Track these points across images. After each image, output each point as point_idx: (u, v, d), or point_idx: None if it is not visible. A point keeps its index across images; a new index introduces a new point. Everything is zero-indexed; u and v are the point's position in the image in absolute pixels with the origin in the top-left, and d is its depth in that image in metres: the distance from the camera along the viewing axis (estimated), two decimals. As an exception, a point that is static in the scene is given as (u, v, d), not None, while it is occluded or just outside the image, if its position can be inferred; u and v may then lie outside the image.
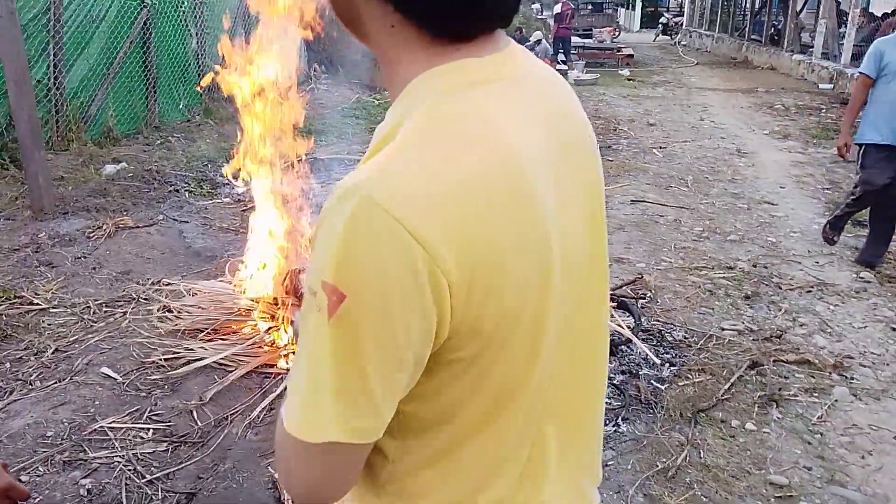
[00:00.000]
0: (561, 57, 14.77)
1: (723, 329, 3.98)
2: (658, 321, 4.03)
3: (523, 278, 0.71)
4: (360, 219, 0.64)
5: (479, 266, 0.67)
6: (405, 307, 0.65)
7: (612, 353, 3.56)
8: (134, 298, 4.25)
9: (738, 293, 4.46)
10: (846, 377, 3.53)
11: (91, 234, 5.18)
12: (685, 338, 3.86)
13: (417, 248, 0.63)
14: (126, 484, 2.71)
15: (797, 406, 3.28)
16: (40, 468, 2.78)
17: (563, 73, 14.24)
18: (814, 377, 3.52)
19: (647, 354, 3.42)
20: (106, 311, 4.11)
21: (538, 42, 14.73)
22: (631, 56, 16.96)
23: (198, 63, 9.82)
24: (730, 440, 3.03)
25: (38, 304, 4.16)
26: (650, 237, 5.46)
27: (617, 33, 24.03)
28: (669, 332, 3.89)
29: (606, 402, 3.22)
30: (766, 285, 4.59)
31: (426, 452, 0.80)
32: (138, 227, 5.38)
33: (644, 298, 4.24)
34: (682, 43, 23.30)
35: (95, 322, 3.97)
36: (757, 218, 5.95)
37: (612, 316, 3.46)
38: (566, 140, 0.82)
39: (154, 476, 2.76)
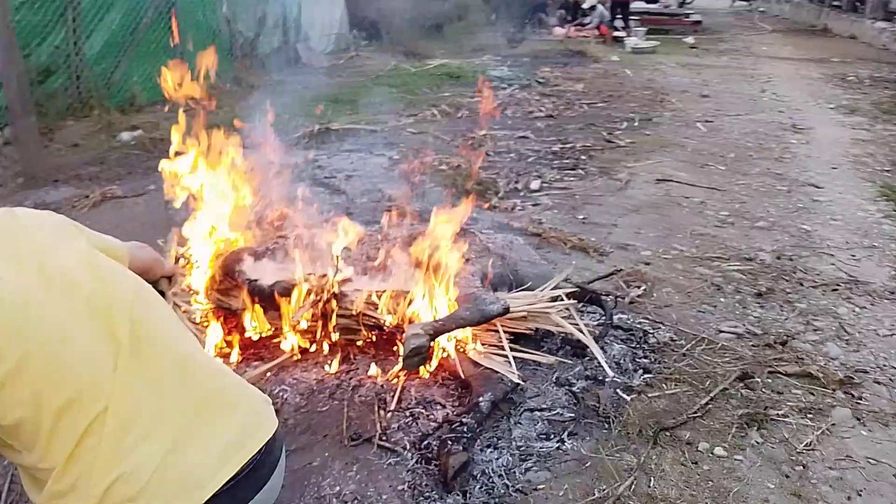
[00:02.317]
0: (620, 23, 13.97)
1: (719, 331, 3.50)
2: (646, 319, 3.57)
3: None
4: None
5: None
6: None
7: (579, 357, 3.13)
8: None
9: (750, 289, 3.94)
10: (853, 396, 3.01)
11: (76, 204, 5.06)
12: (672, 339, 3.40)
13: None
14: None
15: (784, 429, 2.80)
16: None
17: (620, 41, 13.47)
18: (813, 394, 3.02)
19: (608, 362, 2.98)
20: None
21: (592, 7, 13.98)
22: (699, 22, 15.94)
23: (230, 29, 9.66)
24: (691, 467, 2.59)
25: (0, 275, 4.04)
26: (666, 221, 4.95)
27: (690, -2, 22.69)
28: (655, 333, 3.43)
29: (558, 414, 2.84)
30: (786, 280, 4.05)
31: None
32: (126, 196, 5.24)
33: (622, 294, 3.77)
34: (760, 9, 21.85)
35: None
36: (795, 202, 5.33)
37: (570, 317, 3.04)
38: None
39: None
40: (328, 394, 2.93)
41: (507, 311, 2.85)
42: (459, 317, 2.73)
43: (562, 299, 3.02)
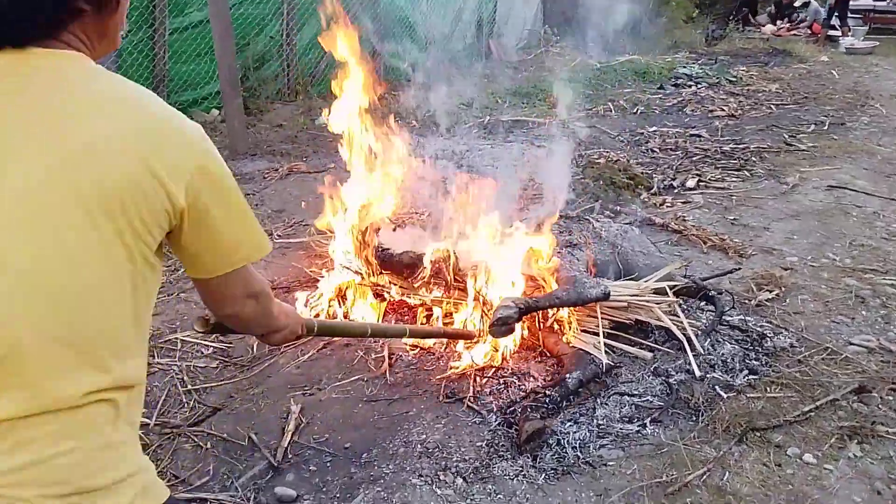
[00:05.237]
0: (837, 21, 12.82)
1: (849, 343, 3.33)
2: (770, 323, 3.47)
3: None
4: None
5: None
6: None
7: (685, 350, 3.15)
8: (270, 234, 4.70)
9: (901, 305, 3.67)
10: None
11: (266, 175, 5.78)
12: (791, 346, 3.29)
13: None
14: (169, 388, 3.07)
15: (891, 447, 2.66)
16: (114, 364, 3.24)
17: (834, 40, 12.42)
18: (938, 417, 2.82)
19: (709, 360, 2.99)
20: (244, 243, 4.59)
21: (805, 4, 12.99)
22: (937, 21, 14.21)
23: (425, 25, 10.27)
24: (773, 468, 2.56)
25: (196, 230, 4.78)
26: (826, 229, 4.67)
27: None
28: (774, 337, 3.34)
29: (647, 401, 2.91)
30: (948, 300, 3.72)
31: None
32: (310, 172, 5.87)
33: (751, 296, 3.66)
34: None
35: (230, 251, 4.46)
36: None
37: (676, 315, 3.06)
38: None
39: (194, 387, 3.08)
40: (437, 356, 3.23)
41: (606, 296, 2.96)
42: (555, 296, 2.89)
43: (667, 293, 3.06)
